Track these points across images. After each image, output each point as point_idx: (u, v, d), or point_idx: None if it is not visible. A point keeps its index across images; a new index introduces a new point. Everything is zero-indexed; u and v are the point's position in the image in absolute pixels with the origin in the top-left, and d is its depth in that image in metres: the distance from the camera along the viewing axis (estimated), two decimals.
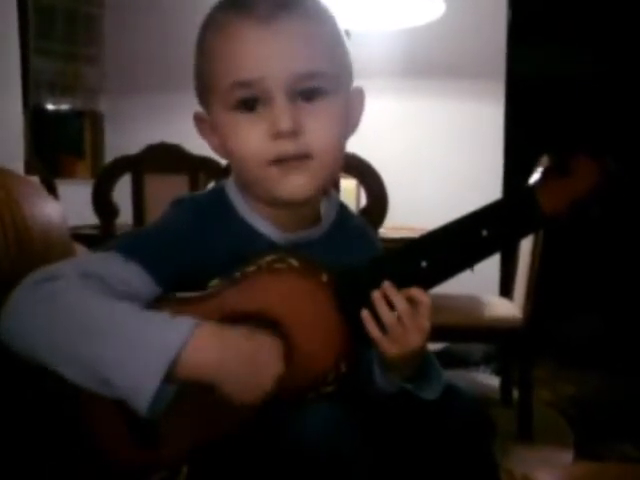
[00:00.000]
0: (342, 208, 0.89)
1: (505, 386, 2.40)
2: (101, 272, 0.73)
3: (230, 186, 0.84)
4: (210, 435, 0.72)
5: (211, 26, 0.78)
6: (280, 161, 0.75)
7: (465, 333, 2.10)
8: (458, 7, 2.68)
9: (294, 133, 0.73)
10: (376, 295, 0.74)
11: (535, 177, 0.77)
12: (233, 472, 0.72)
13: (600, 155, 0.75)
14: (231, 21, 0.75)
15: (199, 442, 0.72)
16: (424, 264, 0.76)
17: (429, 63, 2.88)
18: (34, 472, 0.81)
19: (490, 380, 2.69)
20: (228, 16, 0.76)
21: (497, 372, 2.70)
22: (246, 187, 0.81)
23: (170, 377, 0.66)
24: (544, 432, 2.10)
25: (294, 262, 0.75)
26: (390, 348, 0.74)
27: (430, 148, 2.94)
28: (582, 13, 3.34)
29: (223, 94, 0.76)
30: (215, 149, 0.83)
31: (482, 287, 2.32)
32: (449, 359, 2.73)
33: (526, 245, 2.11)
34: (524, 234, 0.81)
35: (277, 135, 0.73)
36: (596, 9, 3.30)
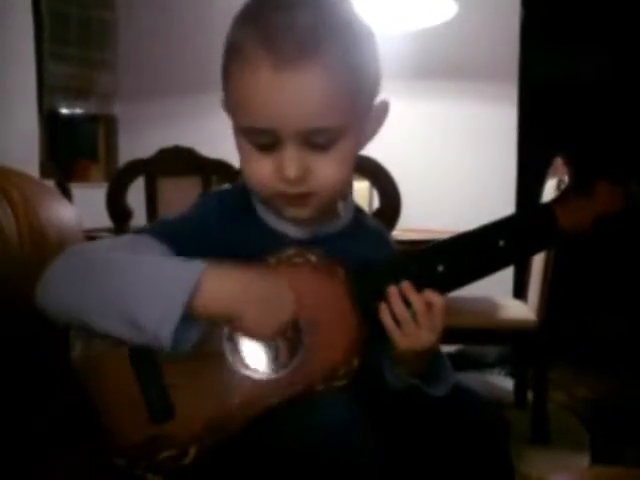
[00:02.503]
0: (358, 210, 0.92)
1: (520, 388, 2.39)
2: (130, 244, 0.78)
3: None
4: (221, 421, 0.73)
5: (236, 44, 0.74)
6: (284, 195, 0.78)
7: (479, 335, 2.09)
8: (470, 8, 2.67)
9: (300, 179, 0.75)
10: (392, 290, 0.77)
11: (556, 194, 0.78)
12: (240, 461, 0.73)
13: (623, 181, 0.77)
14: (253, 56, 0.71)
15: (210, 426, 0.73)
16: (441, 268, 0.77)
17: (441, 65, 2.87)
18: (40, 441, 0.83)
19: (504, 382, 2.68)
20: (254, 47, 0.71)
21: (512, 374, 2.68)
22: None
23: (191, 309, 0.69)
24: (559, 435, 2.08)
25: (312, 257, 0.78)
26: (402, 342, 0.76)
27: (443, 150, 2.94)
28: (596, 15, 3.32)
29: (240, 128, 0.77)
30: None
31: (496, 289, 2.30)
32: (463, 361, 2.71)
33: None
34: (541, 248, 0.83)
35: (283, 179, 0.75)
36: (611, 11, 3.28)
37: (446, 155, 2.93)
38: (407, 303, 0.76)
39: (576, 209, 0.77)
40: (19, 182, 1.03)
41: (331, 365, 0.74)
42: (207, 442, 0.73)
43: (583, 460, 1.96)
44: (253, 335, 0.73)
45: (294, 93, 0.71)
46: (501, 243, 0.77)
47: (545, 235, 0.79)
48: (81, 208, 1.24)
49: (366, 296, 0.77)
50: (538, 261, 2.12)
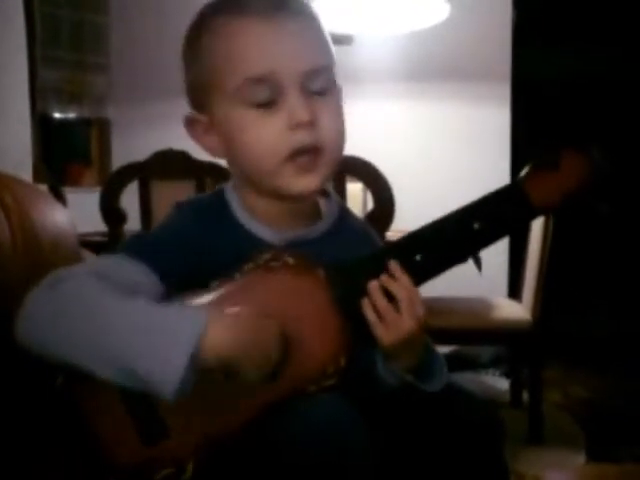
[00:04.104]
0: (343, 210, 0.91)
1: (515, 388, 2.39)
2: (111, 273, 0.74)
3: (229, 190, 0.85)
4: (217, 432, 0.72)
5: (205, 29, 0.79)
6: (294, 158, 0.77)
7: (474, 335, 2.10)
8: (463, 10, 2.68)
9: (311, 123, 0.76)
10: (372, 284, 0.76)
11: (524, 171, 0.78)
12: (238, 468, 0.72)
13: (586, 149, 0.77)
14: (229, 21, 0.77)
15: (206, 439, 0.72)
16: (418, 258, 0.78)
17: (434, 66, 2.88)
18: (36, 468, 0.82)
19: (500, 382, 2.69)
20: (224, 18, 0.77)
21: (507, 374, 2.69)
22: (253, 183, 0.82)
23: (194, 361, 0.67)
24: (555, 434, 2.09)
25: (289, 260, 0.77)
26: (385, 335, 0.76)
27: (436, 151, 2.94)
28: (587, 15, 3.34)
29: (233, 92, 0.77)
30: (212, 150, 0.84)
31: (491, 289, 2.31)
32: (458, 362, 2.72)
33: (534, 246, 2.11)
34: (515, 226, 0.82)
35: (296, 126, 0.75)
36: (601, 11, 3.30)
37: (439, 156, 2.94)
38: (389, 297, 0.76)
39: (545, 184, 0.77)
40: (12, 186, 1.03)
41: (318, 365, 0.74)
42: (205, 455, 0.72)
43: (578, 459, 1.97)
44: (248, 379, 0.70)
45: (284, 36, 0.75)
46: (476, 226, 0.77)
47: (518, 213, 0.79)
48: (75, 212, 1.23)
49: (347, 293, 0.77)
50: (532, 261, 2.13)
